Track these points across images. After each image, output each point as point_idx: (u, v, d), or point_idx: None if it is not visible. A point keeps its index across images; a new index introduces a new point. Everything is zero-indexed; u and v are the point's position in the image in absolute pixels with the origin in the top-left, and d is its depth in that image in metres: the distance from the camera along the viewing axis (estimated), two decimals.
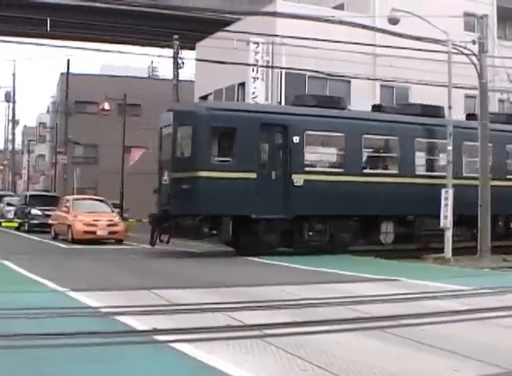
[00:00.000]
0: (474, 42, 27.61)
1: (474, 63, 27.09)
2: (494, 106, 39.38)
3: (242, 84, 35.71)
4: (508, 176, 29.91)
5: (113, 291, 14.05)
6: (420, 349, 8.79)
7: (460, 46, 27.13)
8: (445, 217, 25.47)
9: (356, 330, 9.99)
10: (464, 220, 26.84)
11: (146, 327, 9.80)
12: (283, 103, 33.39)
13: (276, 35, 31.96)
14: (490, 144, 27.22)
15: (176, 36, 35.37)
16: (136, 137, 48.61)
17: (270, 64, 33.49)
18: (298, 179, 24.50)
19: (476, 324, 10.77)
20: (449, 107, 26.46)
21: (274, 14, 31.79)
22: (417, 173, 27.95)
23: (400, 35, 27.69)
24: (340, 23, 28.67)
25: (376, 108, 29.17)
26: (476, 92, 28.77)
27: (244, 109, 26.40)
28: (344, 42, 29.93)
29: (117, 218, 33.59)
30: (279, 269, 20.79)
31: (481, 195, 26.50)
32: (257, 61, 33.44)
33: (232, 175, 23.69)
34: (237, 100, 36.59)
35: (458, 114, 33.51)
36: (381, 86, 36.69)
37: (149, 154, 46.22)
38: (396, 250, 29.10)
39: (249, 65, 33.20)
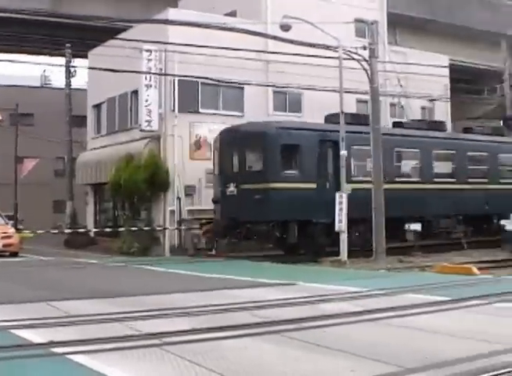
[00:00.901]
0: (364, 48, 28.11)
1: (364, 68, 27.57)
2: (386, 111, 40.16)
3: (135, 92, 35.41)
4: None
5: (9, 305, 13.71)
6: (318, 351, 8.88)
7: (351, 52, 27.55)
8: (340, 221, 25.83)
9: (255, 334, 10.02)
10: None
11: (42, 339, 9.59)
12: (176, 110, 33.47)
13: (169, 43, 31.86)
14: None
15: (68, 44, 34.80)
16: (29, 147, 47.73)
17: (163, 72, 33.32)
18: (348, 188, 26.52)
19: (371, 325, 10.94)
20: (341, 112, 26.85)
21: (166, 22, 31.64)
22: (435, 180, 32.30)
23: (291, 42, 27.92)
24: (232, 30, 28.77)
25: (396, 124, 34.90)
26: (367, 97, 29.26)
27: (305, 127, 29.36)
28: (236, 49, 30.04)
29: (11, 231, 32.79)
30: (176, 277, 20.74)
31: (374, 198, 27.00)
32: (149, 69, 33.20)
33: (297, 186, 27.20)
34: (130, 108, 36.41)
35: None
36: (274, 92, 36.92)
37: (42, 164, 45.47)
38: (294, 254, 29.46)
39: (141, 73, 32.95)
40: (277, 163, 27.45)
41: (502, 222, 29.93)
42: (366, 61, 27.61)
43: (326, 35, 26.77)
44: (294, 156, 27.76)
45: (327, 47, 27.93)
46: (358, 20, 37.86)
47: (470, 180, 33.29)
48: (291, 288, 16.39)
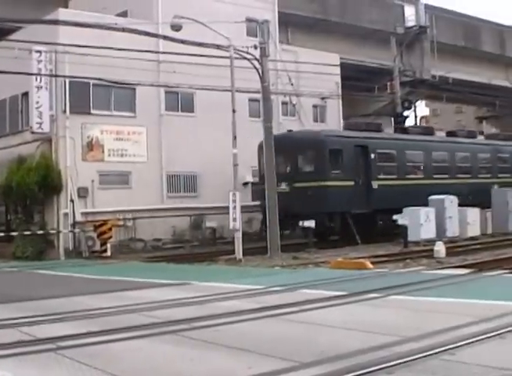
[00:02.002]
0: (255, 47, 28.25)
1: (256, 67, 27.72)
2: (278, 109, 40.49)
3: (25, 94, 34.69)
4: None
5: None
6: (214, 349, 8.88)
7: (243, 51, 27.66)
8: (234, 219, 25.93)
9: (151, 335, 9.96)
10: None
11: None
12: (67, 111, 33.01)
13: (59, 44, 31.36)
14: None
15: None
16: None
17: (53, 73, 32.74)
18: (375, 184, 33.65)
19: (268, 322, 11.00)
20: (233, 111, 26.96)
21: (56, 22, 31.08)
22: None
23: (182, 42, 27.84)
24: (123, 30, 28.50)
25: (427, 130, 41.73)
26: (260, 96, 29.43)
27: (343, 135, 34.63)
28: (127, 49, 29.76)
29: None
30: (71, 280, 20.44)
31: (268, 198, 27.29)
32: (40, 70, 32.54)
33: (341, 183, 32.37)
34: (21, 111, 35.68)
35: (243, 117, 34.28)
36: (166, 92, 36.77)
37: None
38: (191, 253, 29.50)
39: (31, 74, 32.31)
40: (326, 164, 32.57)
41: (395, 216, 30.53)
42: (257, 60, 27.76)
43: (218, 35, 26.83)
44: (338, 158, 32.87)
45: (218, 46, 27.96)
46: (249, 20, 38.00)
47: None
48: (186, 288, 16.35)
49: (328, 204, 31.80)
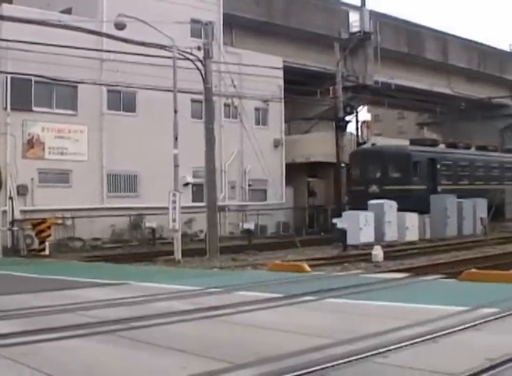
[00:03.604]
0: (199, 48, 28.23)
1: (199, 69, 27.70)
2: (220, 111, 40.53)
3: None
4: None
5: None
6: (149, 350, 8.84)
7: (186, 52, 27.63)
8: (174, 220, 25.89)
9: (88, 335, 9.87)
10: None
11: None
12: (8, 108, 32.66)
13: (1, 39, 30.99)
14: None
15: None
16: None
17: None
18: (439, 188, 43.06)
19: (204, 323, 10.99)
20: (175, 111, 26.92)
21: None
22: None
23: (125, 40, 27.75)
24: (66, 27, 28.27)
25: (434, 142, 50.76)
26: (202, 97, 29.42)
27: (420, 150, 44.46)
28: (70, 47, 29.58)
29: None
30: (8, 278, 20.16)
31: (207, 198, 27.33)
32: None
33: (419, 187, 41.91)
34: None
35: (185, 118, 34.24)
36: (108, 91, 36.58)
37: None
38: (130, 253, 29.41)
39: None
40: (410, 172, 42.38)
41: (334, 220, 30.77)
42: (201, 61, 27.75)
43: (163, 35, 26.76)
44: (417, 168, 42.79)
45: (162, 46, 27.89)
46: (194, 21, 37.99)
47: None
48: (124, 288, 16.26)
49: (409, 203, 36.83)
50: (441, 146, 49.53)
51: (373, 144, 46.53)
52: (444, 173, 44.92)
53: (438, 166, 44.27)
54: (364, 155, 44.58)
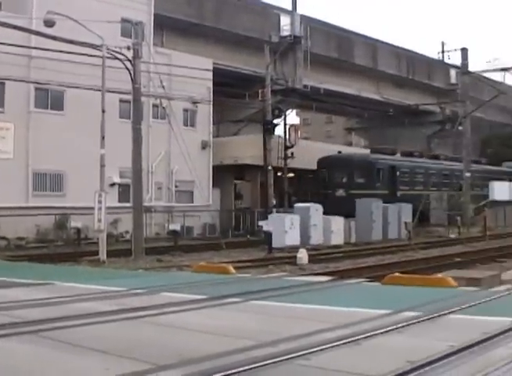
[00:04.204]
0: (128, 48, 28.08)
1: (128, 69, 27.55)
2: (148, 111, 40.36)
3: None
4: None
5: None
6: (72, 351, 8.75)
7: (115, 51, 27.45)
8: (99, 220, 25.69)
9: (9, 335, 9.72)
10: None
11: None
12: None
13: None
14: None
15: None
16: None
17: None
18: (399, 193, 48.12)
19: (127, 324, 10.93)
20: (103, 111, 26.75)
21: None
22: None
23: (54, 38, 27.43)
24: None
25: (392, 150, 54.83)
26: (130, 97, 29.27)
27: (382, 158, 49.87)
28: None
29: None
30: None
31: (133, 198, 27.20)
32: None
33: (381, 192, 45.80)
34: None
35: (113, 118, 34.00)
36: (36, 89, 36.13)
37: None
38: (55, 253, 29.12)
39: None
40: (374, 178, 47.54)
41: (260, 222, 30.87)
42: (130, 61, 27.60)
43: (92, 33, 26.55)
44: (379, 174, 48.17)
45: (91, 45, 27.66)
46: (124, 20, 37.77)
47: None
48: (47, 288, 16.03)
49: None
50: (397, 155, 54.05)
51: (339, 152, 51.37)
52: (402, 179, 50.33)
53: (398, 173, 49.83)
54: (332, 162, 48.83)
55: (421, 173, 52.96)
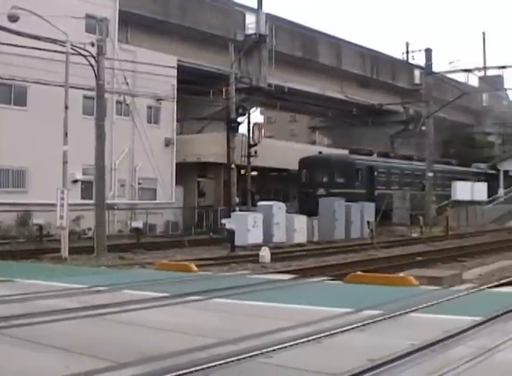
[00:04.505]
0: (92, 44, 27.93)
1: (91, 65, 27.40)
2: (112, 108, 40.16)
3: None
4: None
5: None
6: (32, 348, 8.71)
7: (79, 47, 27.30)
8: (61, 217, 25.53)
9: None
10: None
11: None
12: None
13: None
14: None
15: None
16: None
17: None
18: (376, 192, 49.98)
19: (89, 321, 10.89)
20: (66, 107, 26.60)
21: None
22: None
23: (19, 33, 27.23)
24: None
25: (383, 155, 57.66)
26: (94, 93, 29.11)
27: (361, 158, 51.53)
28: None
29: None
30: None
31: (96, 195, 27.09)
32: None
33: (360, 191, 48.31)
34: None
35: (77, 114, 33.80)
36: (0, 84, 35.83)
37: None
38: (17, 250, 28.91)
39: None
40: (353, 178, 49.55)
41: (223, 220, 30.85)
42: (94, 57, 27.45)
43: (56, 29, 26.38)
44: (358, 174, 50.07)
45: (55, 41, 27.48)
46: (89, 16, 37.57)
47: None
48: (7, 285, 15.90)
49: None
50: (374, 156, 55.34)
51: (319, 152, 53.03)
52: (379, 179, 52.29)
53: (375, 173, 51.90)
54: (313, 162, 50.45)
55: (396, 173, 54.45)
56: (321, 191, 47.20)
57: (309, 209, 39.43)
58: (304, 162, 50.82)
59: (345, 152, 54.67)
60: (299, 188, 50.58)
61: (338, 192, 44.94)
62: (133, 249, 29.46)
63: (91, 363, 7.89)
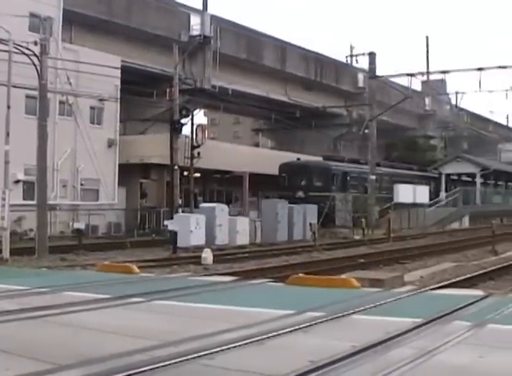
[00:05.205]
0: (36, 43, 27.65)
1: (34, 64, 27.12)
2: (55, 108, 39.78)
3: None
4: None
5: None
6: None
7: (22, 46, 27.00)
8: (2, 218, 25.21)
9: None
10: None
11: None
12: None
13: None
14: None
15: None
16: None
17: None
18: (349, 194, 53.08)
19: (29, 323, 10.78)
20: (8, 107, 26.30)
21: None
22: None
23: None
24: None
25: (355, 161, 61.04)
26: (37, 93, 28.80)
27: (337, 164, 55.98)
28: None
29: None
30: None
31: (37, 197, 26.84)
32: None
33: (332, 193, 51.40)
34: None
35: (19, 114, 33.41)
36: None
37: None
38: None
39: None
40: (329, 182, 54.00)
41: (166, 222, 30.75)
42: (37, 57, 27.17)
43: None
44: (334, 179, 54.76)
45: None
46: (32, 15, 37.17)
47: None
48: None
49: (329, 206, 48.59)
50: (346, 162, 59.07)
51: (298, 159, 57.42)
52: (352, 183, 56.17)
53: (348, 178, 56.12)
54: (293, 167, 55.20)
55: (364, 178, 55.98)
56: (300, 194, 51.08)
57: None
58: (284, 167, 55.37)
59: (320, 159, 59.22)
60: (279, 191, 53.13)
61: (315, 195, 49.40)
62: (75, 250, 29.20)
63: (32, 365, 7.84)
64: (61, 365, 7.80)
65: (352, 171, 57.05)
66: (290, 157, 58.56)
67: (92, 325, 10.60)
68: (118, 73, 44.27)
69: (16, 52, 27.10)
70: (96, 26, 46.95)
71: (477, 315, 11.67)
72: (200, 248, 28.33)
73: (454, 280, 18.47)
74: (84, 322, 10.91)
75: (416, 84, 79.51)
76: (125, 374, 7.32)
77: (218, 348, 8.69)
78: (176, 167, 41.16)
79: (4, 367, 7.74)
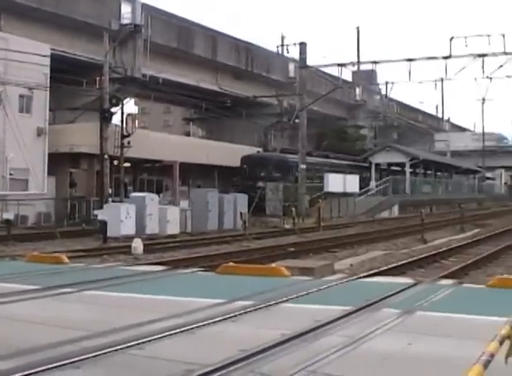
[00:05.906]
0: None
1: None
2: None
3: None
4: None
5: None
6: None
7: None
8: None
9: None
10: None
11: None
12: None
13: None
14: None
15: None
16: None
17: None
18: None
19: None
20: None
21: None
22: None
23: None
24: None
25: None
26: None
27: (293, 157, 58.37)
28: None
29: None
30: None
31: None
32: None
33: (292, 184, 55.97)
34: None
35: None
36: None
37: None
38: None
39: None
40: (286, 173, 58.16)
41: (95, 211, 30.51)
42: None
43: None
44: (289, 170, 58.58)
45: None
46: None
47: None
48: None
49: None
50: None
51: (258, 152, 63.06)
52: (307, 174, 57.50)
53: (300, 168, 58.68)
54: (254, 159, 60.08)
55: (317, 169, 60.73)
56: (260, 184, 55.16)
57: (250, 198, 43.96)
58: (246, 159, 59.83)
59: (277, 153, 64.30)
60: (241, 181, 57.35)
61: (275, 185, 54.51)
62: (4, 241, 28.78)
63: None
64: None
65: (307, 162, 58.56)
66: (221, 146, 59.44)
67: (21, 316, 10.49)
68: (47, 61, 43.62)
69: None
70: (25, 13, 46.14)
71: (406, 302, 11.88)
72: (130, 238, 28.14)
73: (383, 268, 18.75)
74: (12, 313, 10.80)
75: (347, 75, 79.76)
76: (53, 365, 7.28)
77: (148, 338, 8.70)
78: (106, 156, 40.80)
79: None
